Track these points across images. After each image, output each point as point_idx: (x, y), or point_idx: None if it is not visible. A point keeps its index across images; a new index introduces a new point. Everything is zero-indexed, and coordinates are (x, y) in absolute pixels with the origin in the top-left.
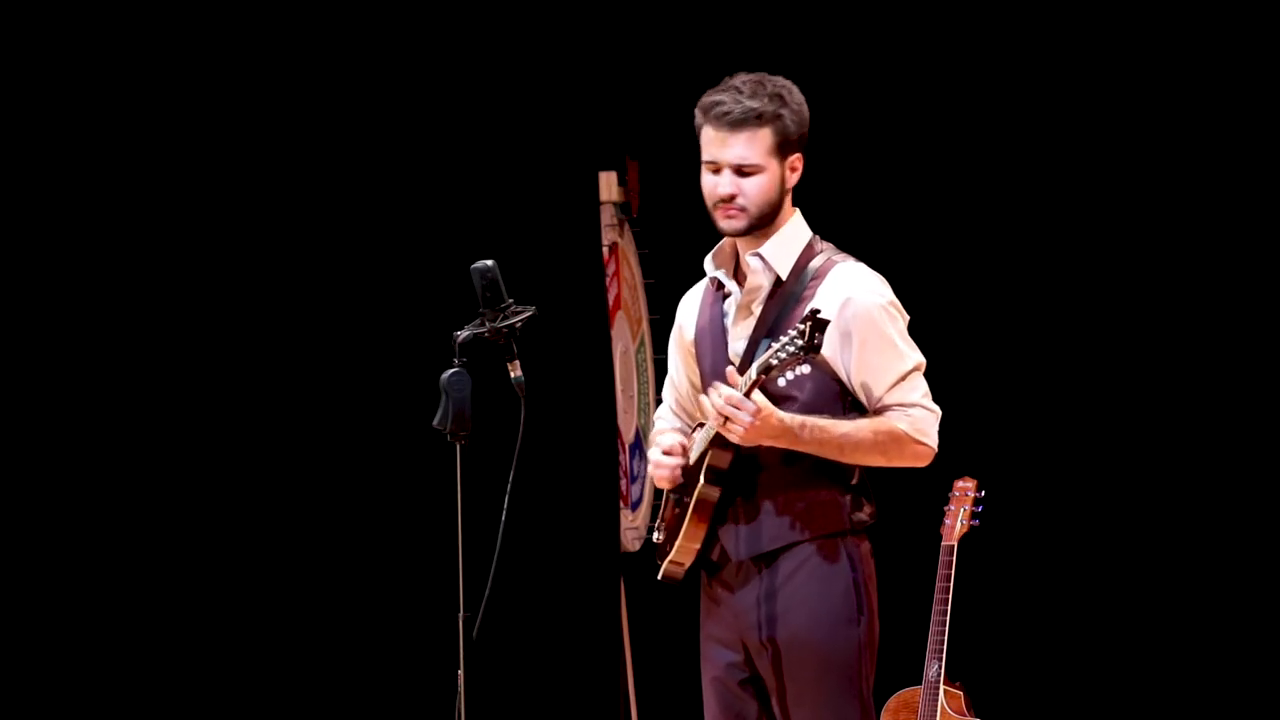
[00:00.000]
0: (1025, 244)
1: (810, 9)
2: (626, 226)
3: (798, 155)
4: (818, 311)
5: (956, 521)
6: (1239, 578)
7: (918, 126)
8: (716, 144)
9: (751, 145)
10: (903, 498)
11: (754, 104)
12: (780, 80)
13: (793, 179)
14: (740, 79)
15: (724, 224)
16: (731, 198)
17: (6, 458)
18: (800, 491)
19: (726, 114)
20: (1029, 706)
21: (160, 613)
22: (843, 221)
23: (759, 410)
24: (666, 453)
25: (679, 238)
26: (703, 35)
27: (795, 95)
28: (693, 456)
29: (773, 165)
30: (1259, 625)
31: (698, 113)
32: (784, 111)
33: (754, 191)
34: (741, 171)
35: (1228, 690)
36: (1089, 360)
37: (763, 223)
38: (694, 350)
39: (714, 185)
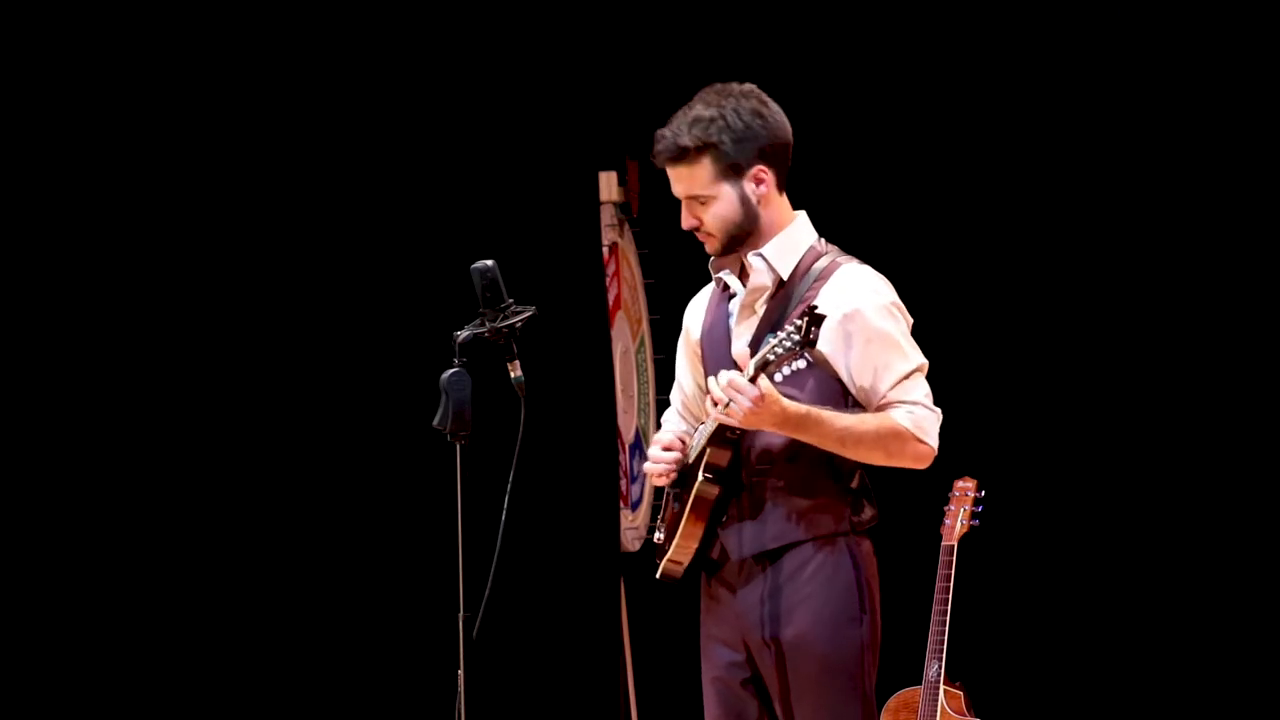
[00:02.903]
0: (1025, 245)
1: (810, 9)
2: (626, 226)
3: (760, 168)
4: (815, 307)
5: (956, 521)
6: (1239, 578)
7: (918, 127)
8: (670, 178)
9: (692, 178)
10: (903, 498)
11: (685, 140)
12: (734, 94)
13: (760, 191)
14: (697, 98)
15: (706, 248)
16: (695, 228)
17: (6, 458)
18: (801, 491)
19: (661, 152)
20: (1029, 706)
21: (161, 613)
22: (844, 222)
23: (762, 396)
24: (666, 448)
25: (679, 238)
26: (702, 36)
27: (744, 105)
28: (692, 454)
29: (724, 189)
30: (1259, 625)
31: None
32: (721, 138)
33: (712, 219)
34: (697, 201)
35: (1228, 690)
36: (1089, 360)
37: (738, 241)
38: (699, 351)
39: (681, 218)
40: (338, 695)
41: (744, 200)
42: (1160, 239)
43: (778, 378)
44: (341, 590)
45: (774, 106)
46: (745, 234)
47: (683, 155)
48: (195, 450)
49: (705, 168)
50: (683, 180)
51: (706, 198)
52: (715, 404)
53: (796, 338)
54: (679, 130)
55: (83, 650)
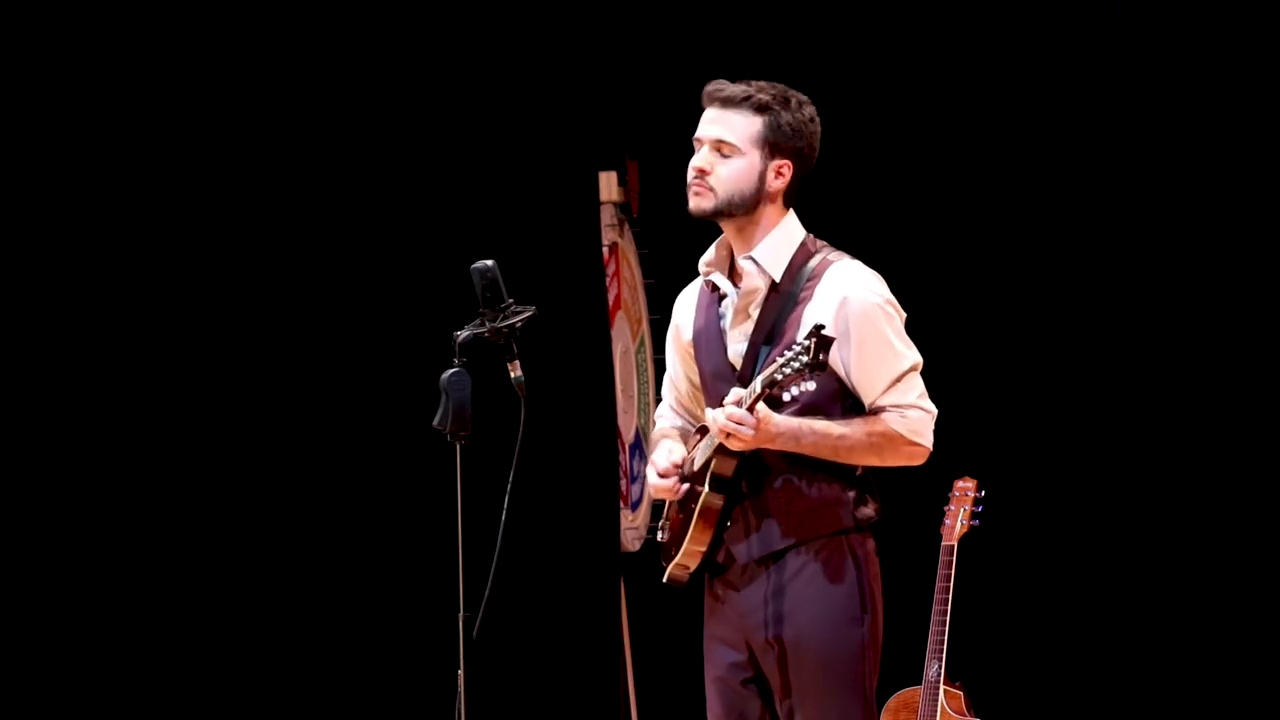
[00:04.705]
0: (1025, 244)
1: (811, 9)
2: (626, 226)
3: (787, 162)
4: (822, 327)
5: (956, 521)
6: (1239, 577)
7: (917, 127)
8: (705, 120)
9: (736, 127)
10: (903, 498)
11: (752, 91)
12: (798, 93)
13: (776, 184)
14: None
15: (692, 200)
16: (702, 173)
17: (7, 458)
18: (805, 491)
19: (720, 91)
20: (1029, 706)
21: (161, 613)
22: (842, 221)
23: (759, 421)
24: (661, 474)
25: (679, 238)
26: (702, 36)
27: (805, 108)
28: (697, 462)
29: (753, 155)
30: (1259, 625)
31: (703, 95)
32: (782, 111)
33: (725, 173)
34: (720, 151)
35: (1228, 690)
36: (1089, 360)
37: (730, 211)
38: (692, 351)
39: (693, 159)
40: (338, 695)
41: (761, 176)
42: (1160, 239)
43: (785, 397)
44: (342, 590)
45: (819, 128)
46: (740, 210)
47: (743, 101)
48: (196, 450)
49: (754, 124)
50: (723, 124)
51: (734, 150)
52: (720, 431)
53: (806, 359)
54: (743, 85)
55: (83, 650)
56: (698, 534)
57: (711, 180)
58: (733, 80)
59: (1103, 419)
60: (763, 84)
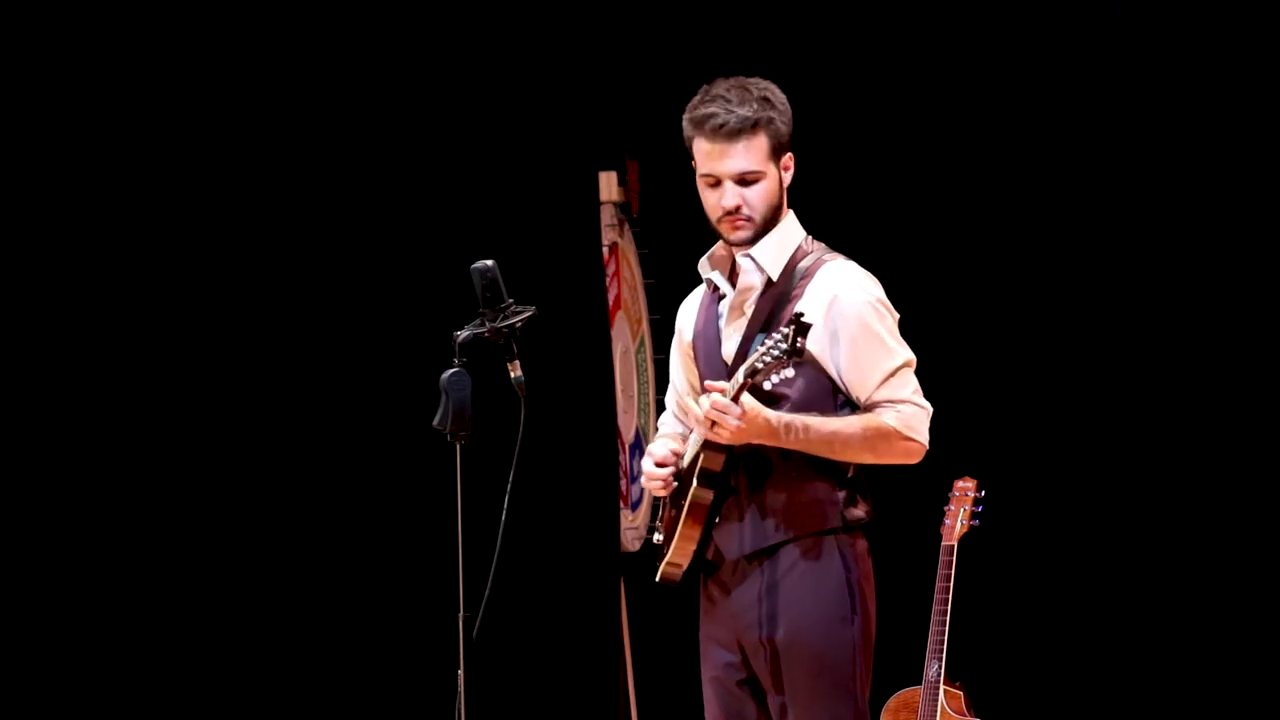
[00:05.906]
0: (1024, 243)
1: (807, 9)
2: (626, 226)
3: (789, 155)
4: (801, 315)
5: (956, 521)
6: (1239, 577)
7: (914, 126)
8: (715, 157)
9: (750, 153)
10: (902, 497)
11: (746, 111)
12: (761, 82)
13: (788, 178)
14: (722, 86)
15: (733, 236)
16: (737, 209)
17: (7, 458)
18: (794, 489)
19: (722, 125)
20: (1029, 706)
21: (161, 613)
22: (839, 221)
23: (745, 413)
24: (659, 464)
25: (679, 238)
26: (702, 35)
27: (779, 95)
28: (686, 459)
29: (771, 170)
30: (1259, 625)
31: (687, 125)
32: (774, 114)
33: (757, 199)
34: (744, 181)
35: (1228, 690)
36: (1088, 360)
37: (768, 228)
38: (692, 353)
39: (717, 199)
40: (338, 695)
41: (780, 184)
42: (1159, 239)
43: (766, 385)
44: (342, 590)
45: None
46: (774, 222)
47: (751, 127)
48: (196, 450)
49: (762, 143)
50: (739, 156)
51: (758, 175)
52: (704, 421)
53: (784, 346)
54: (731, 105)
55: (83, 650)
56: (687, 530)
57: (746, 211)
58: (699, 84)
59: (1102, 419)
60: (740, 93)
